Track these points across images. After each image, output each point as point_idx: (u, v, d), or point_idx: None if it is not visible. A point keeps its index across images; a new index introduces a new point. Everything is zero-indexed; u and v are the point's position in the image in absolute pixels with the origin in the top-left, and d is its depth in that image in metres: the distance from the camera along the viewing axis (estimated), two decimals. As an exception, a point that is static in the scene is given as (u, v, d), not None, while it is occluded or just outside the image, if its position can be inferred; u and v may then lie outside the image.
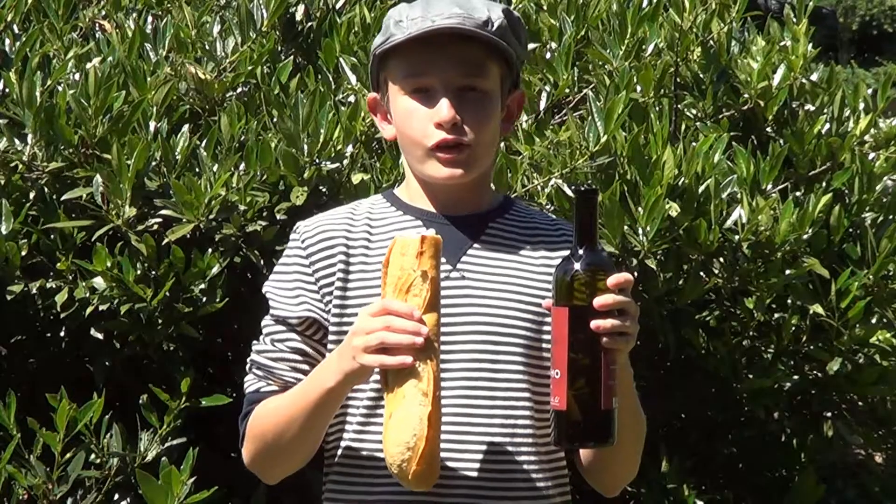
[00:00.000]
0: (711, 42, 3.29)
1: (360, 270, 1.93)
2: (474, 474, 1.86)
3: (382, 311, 1.73)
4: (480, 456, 1.87)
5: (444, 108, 1.87)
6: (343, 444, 1.93)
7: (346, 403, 1.91)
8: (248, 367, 1.97)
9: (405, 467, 1.73)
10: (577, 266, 1.74)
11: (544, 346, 1.88)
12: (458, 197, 1.95)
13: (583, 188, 1.78)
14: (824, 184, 3.16)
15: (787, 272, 2.96)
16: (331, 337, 1.92)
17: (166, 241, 2.70)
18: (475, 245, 1.94)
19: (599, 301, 1.71)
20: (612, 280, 1.73)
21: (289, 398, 1.88)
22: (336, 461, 1.94)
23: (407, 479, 1.74)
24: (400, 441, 1.72)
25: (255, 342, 1.98)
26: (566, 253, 1.78)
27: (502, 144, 3.00)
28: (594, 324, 1.71)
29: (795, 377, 3.22)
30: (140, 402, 2.70)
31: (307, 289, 1.93)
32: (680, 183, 2.88)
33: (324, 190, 2.84)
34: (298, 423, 1.86)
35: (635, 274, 2.90)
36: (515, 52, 1.93)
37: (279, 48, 3.28)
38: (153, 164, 2.79)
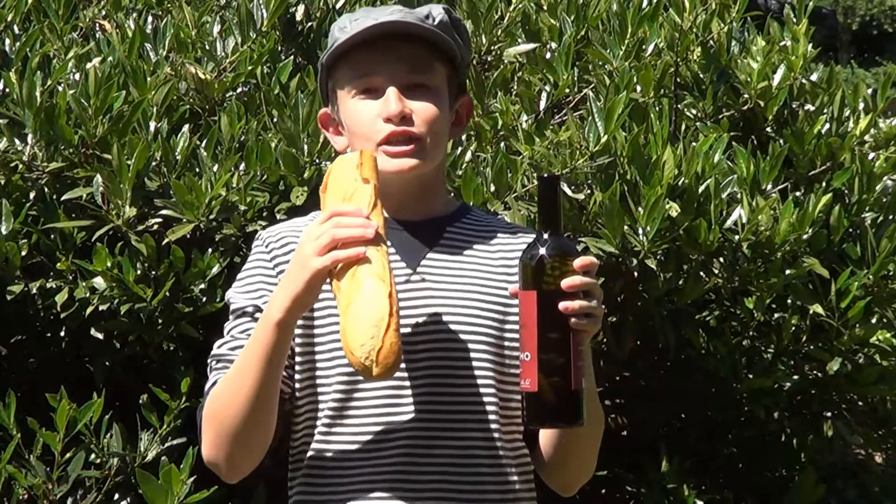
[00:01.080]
0: (711, 42, 3.29)
1: None
2: (442, 475, 1.87)
3: (328, 217, 1.76)
4: (448, 458, 1.87)
5: (392, 101, 1.89)
6: (311, 446, 1.92)
7: (314, 401, 1.91)
8: (208, 369, 1.96)
9: (371, 353, 1.72)
10: (542, 251, 1.77)
11: (506, 343, 1.91)
12: (411, 200, 1.95)
13: (545, 175, 1.81)
14: (824, 184, 3.16)
15: (787, 272, 2.96)
16: (297, 340, 1.91)
17: (166, 241, 2.70)
18: (434, 248, 1.95)
19: (567, 282, 1.74)
20: (579, 262, 1.76)
21: (237, 362, 1.87)
22: (304, 464, 1.93)
23: (373, 366, 1.72)
24: (366, 322, 1.71)
25: (221, 340, 1.97)
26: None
27: (502, 144, 3.01)
28: (562, 305, 1.74)
29: (795, 377, 3.22)
30: (140, 402, 2.71)
31: (269, 283, 1.94)
32: (680, 183, 2.88)
33: (324, 190, 2.84)
34: (250, 385, 1.83)
35: (634, 274, 2.91)
36: (458, 50, 1.94)
37: (279, 48, 3.28)
38: (153, 164, 2.79)
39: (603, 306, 1.92)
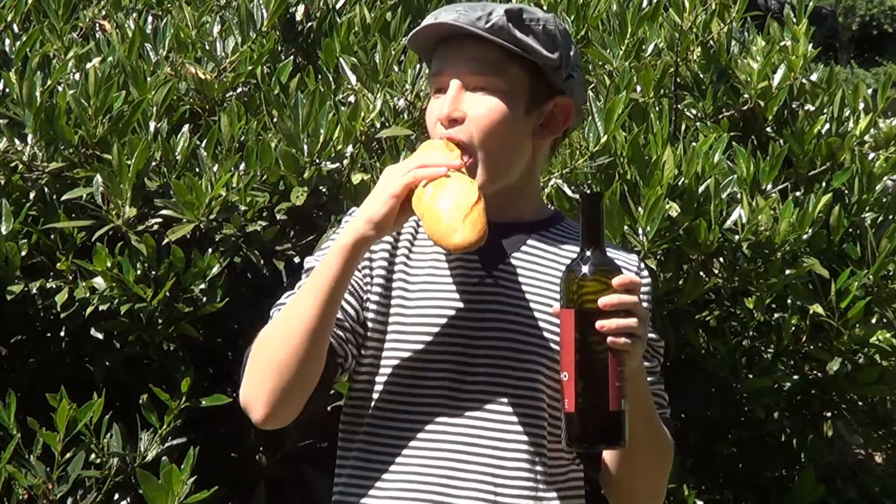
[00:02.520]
0: (711, 42, 3.29)
1: (401, 270, 1.92)
2: (482, 477, 1.85)
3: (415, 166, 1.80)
4: (491, 461, 1.86)
5: (444, 103, 1.87)
6: (362, 432, 1.91)
7: (362, 398, 1.90)
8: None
9: (457, 219, 1.74)
10: (583, 268, 1.75)
11: None
12: (496, 203, 1.88)
13: (588, 191, 1.79)
14: (824, 184, 3.17)
15: (787, 272, 2.96)
16: (371, 316, 1.91)
17: (166, 241, 2.70)
18: (514, 255, 1.93)
19: (604, 301, 1.72)
20: (617, 280, 1.74)
21: (296, 295, 1.87)
22: (350, 459, 1.92)
23: (458, 231, 1.74)
24: (455, 200, 1.75)
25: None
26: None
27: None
28: (599, 324, 1.72)
29: (795, 377, 3.22)
30: (140, 402, 2.71)
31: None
32: (680, 183, 2.88)
33: (324, 190, 2.84)
34: (305, 310, 1.82)
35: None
36: (525, 50, 1.88)
37: (279, 48, 3.28)
38: (153, 164, 2.79)
39: (649, 324, 1.90)
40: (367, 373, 1.92)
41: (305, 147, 2.79)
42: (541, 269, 1.93)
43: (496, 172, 1.89)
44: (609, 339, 1.72)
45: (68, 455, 2.58)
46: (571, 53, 1.95)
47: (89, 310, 2.69)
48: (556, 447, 1.88)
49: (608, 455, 1.93)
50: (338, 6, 3.40)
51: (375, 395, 1.91)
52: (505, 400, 1.87)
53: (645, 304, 1.90)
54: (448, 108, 1.87)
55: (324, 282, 1.81)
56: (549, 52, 1.90)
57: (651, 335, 1.93)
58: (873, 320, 3.11)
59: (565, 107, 1.95)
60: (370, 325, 1.91)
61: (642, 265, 2.00)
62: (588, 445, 1.79)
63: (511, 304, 1.89)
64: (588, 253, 1.76)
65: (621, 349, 1.73)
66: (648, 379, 1.90)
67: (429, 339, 1.88)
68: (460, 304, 1.88)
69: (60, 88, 2.88)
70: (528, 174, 1.96)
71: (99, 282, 2.69)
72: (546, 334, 1.88)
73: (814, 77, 3.39)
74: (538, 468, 1.87)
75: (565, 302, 1.75)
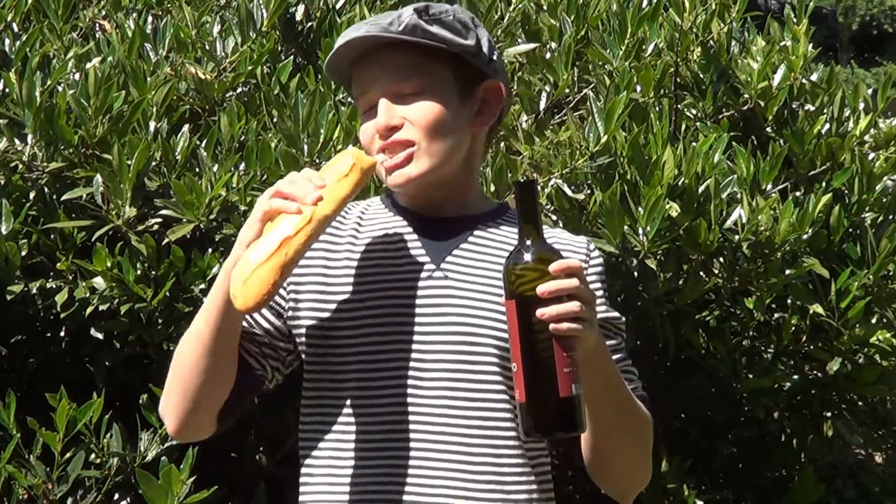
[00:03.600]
0: (711, 42, 3.29)
1: (345, 267, 1.93)
2: (454, 477, 1.86)
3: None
4: (459, 458, 1.86)
5: (378, 114, 1.88)
6: (324, 444, 1.91)
7: (325, 399, 1.91)
8: None
9: (238, 281, 1.72)
10: (521, 258, 1.74)
11: None
12: (440, 198, 1.93)
13: (522, 180, 1.78)
14: (824, 184, 3.16)
15: (787, 272, 2.96)
16: (307, 341, 1.93)
17: (166, 241, 2.70)
18: (461, 246, 1.94)
19: (542, 288, 1.70)
20: (555, 266, 1.72)
21: (201, 308, 1.88)
22: (317, 461, 1.92)
23: (241, 283, 1.73)
24: (254, 256, 1.73)
25: None
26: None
27: (502, 144, 3.01)
28: (539, 311, 1.70)
29: (795, 377, 3.22)
30: (140, 402, 2.71)
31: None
32: (680, 183, 2.88)
33: (324, 190, 2.84)
34: (203, 329, 1.84)
35: (634, 274, 2.91)
36: (447, 42, 1.89)
37: (279, 48, 3.28)
38: (153, 164, 2.79)
39: (603, 306, 1.91)
40: (319, 378, 1.92)
41: (305, 147, 2.79)
42: (489, 259, 1.93)
43: (441, 160, 1.90)
44: (551, 326, 1.70)
45: (68, 455, 2.58)
46: (486, 38, 1.96)
47: (89, 310, 2.69)
48: (522, 439, 1.89)
49: (584, 440, 1.92)
50: (338, 6, 3.40)
51: (332, 399, 1.91)
52: (465, 394, 1.87)
53: (597, 285, 1.92)
54: (385, 117, 1.88)
55: (215, 302, 1.83)
56: (464, 40, 1.91)
57: (610, 313, 1.94)
58: (873, 320, 3.11)
59: (496, 90, 1.96)
60: (310, 331, 1.92)
61: (592, 246, 1.99)
62: (543, 434, 1.78)
63: (462, 296, 1.89)
64: (527, 242, 1.75)
65: (567, 335, 1.71)
66: (614, 357, 1.90)
67: (381, 337, 1.88)
68: (411, 300, 1.89)
69: (60, 88, 2.88)
70: (469, 166, 1.97)
71: (99, 282, 2.69)
72: (499, 324, 1.88)
73: (814, 77, 3.39)
74: (503, 460, 1.87)
75: (507, 293, 1.75)
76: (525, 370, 1.72)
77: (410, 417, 1.86)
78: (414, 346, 1.87)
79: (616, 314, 1.97)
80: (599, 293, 1.93)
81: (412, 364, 1.87)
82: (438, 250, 1.92)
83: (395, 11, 1.91)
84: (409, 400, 1.87)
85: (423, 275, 1.90)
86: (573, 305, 1.71)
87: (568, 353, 1.71)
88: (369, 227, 1.97)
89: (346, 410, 1.90)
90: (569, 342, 1.72)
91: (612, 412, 1.86)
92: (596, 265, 1.97)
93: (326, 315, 1.91)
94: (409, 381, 1.87)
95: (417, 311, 1.88)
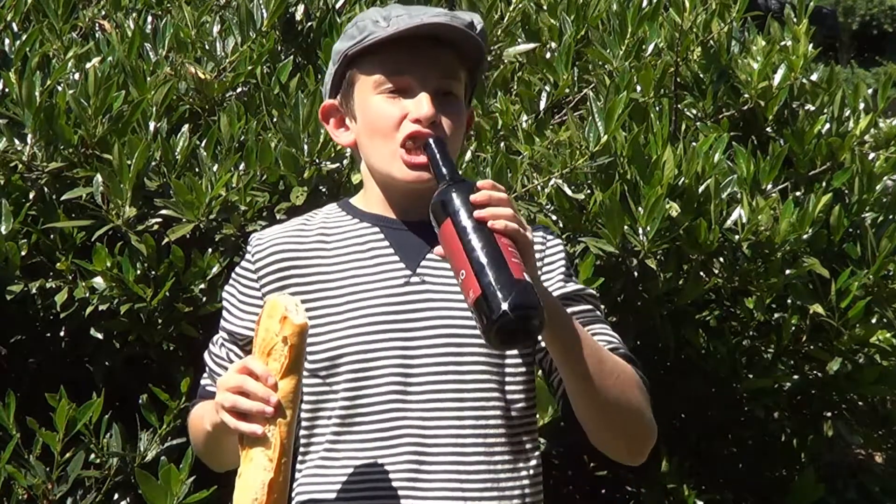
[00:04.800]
0: (711, 42, 3.29)
1: (318, 281, 1.92)
2: (448, 474, 1.86)
3: (243, 369, 1.77)
4: (454, 458, 1.86)
5: (425, 104, 1.87)
6: (318, 454, 1.91)
7: (319, 412, 1.91)
8: (204, 355, 2.03)
9: None
10: (445, 191, 1.77)
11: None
12: (417, 201, 1.91)
13: (428, 140, 1.84)
14: (824, 184, 3.16)
15: (787, 272, 2.96)
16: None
17: (166, 241, 2.70)
18: (435, 249, 1.93)
19: (475, 197, 1.73)
20: (481, 183, 1.76)
21: (205, 415, 1.92)
22: (311, 471, 1.92)
23: None
24: (243, 502, 1.77)
25: (215, 336, 2.02)
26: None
27: (502, 144, 3.01)
28: (477, 213, 1.72)
29: (795, 377, 3.22)
30: (140, 402, 2.71)
31: (253, 304, 1.95)
32: (680, 183, 2.88)
33: (324, 190, 2.84)
34: (208, 439, 1.93)
35: (635, 274, 2.91)
36: (483, 55, 1.93)
37: (279, 48, 3.29)
38: (153, 164, 2.79)
39: (570, 280, 1.93)
40: (309, 392, 1.91)
41: (305, 147, 2.79)
42: None
43: None
44: (489, 223, 1.72)
45: (68, 455, 2.58)
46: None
47: (89, 310, 2.69)
48: (516, 431, 1.89)
49: (578, 411, 1.89)
50: (338, 6, 3.40)
51: (325, 412, 1.91)
52: (455, 395, 1.87)
53: (560, 263, 1.95)
54: (433, 109, 1.86)
55: (212, 423, 1.86)
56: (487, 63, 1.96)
57: (577, 286, 1.96)
58: (873, 320, 3.11)
59: (472, 116, 2.02)
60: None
61: (549, 235, 2.00)
62: (506, 314, 1.69)
63: (442, 299, 1.89)
64: (447, 183, 1.78)
65: (507, 232, 1.72)
66: (594, 325, 1.91)
67: (367, 346, 1.87)
68: (392, 308, 1.88)
69: (60, 88, 2.88)
70: None
71: (99, 282, 2.69)
72: None
73: (814, 77, 3.39)
74: (496, 458, 1.88)
75: (439, 220, 1.76)
76: (474, 267, 1.71)
77: (403, 423, 1.86)
78: (400, 353, 1.87)
79: (582, 286, 1.99)
80: (562, 269, 1.95)
81: (400, 371, 1.86)
82: (411, 255, 1.92)
83: (466, 13, 1.94)
84: (400, 406, 1.86)
85: (401, 281, 1.90)
86: (506, 209, 1.73)
87: (512, 248, 1.72)
88: (336, 240, 1.95)
89: (336, 421, 1.89)
90: (512, 239, 1.73)
91: (587, 368, 1.83)
92: (554, 245, 1.98)
93: (309, 333, 1.89)
94: (399, 388, 1.86)
95: (400, 318, 1.88)
